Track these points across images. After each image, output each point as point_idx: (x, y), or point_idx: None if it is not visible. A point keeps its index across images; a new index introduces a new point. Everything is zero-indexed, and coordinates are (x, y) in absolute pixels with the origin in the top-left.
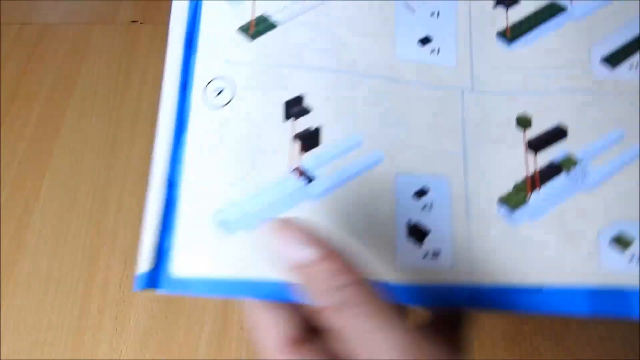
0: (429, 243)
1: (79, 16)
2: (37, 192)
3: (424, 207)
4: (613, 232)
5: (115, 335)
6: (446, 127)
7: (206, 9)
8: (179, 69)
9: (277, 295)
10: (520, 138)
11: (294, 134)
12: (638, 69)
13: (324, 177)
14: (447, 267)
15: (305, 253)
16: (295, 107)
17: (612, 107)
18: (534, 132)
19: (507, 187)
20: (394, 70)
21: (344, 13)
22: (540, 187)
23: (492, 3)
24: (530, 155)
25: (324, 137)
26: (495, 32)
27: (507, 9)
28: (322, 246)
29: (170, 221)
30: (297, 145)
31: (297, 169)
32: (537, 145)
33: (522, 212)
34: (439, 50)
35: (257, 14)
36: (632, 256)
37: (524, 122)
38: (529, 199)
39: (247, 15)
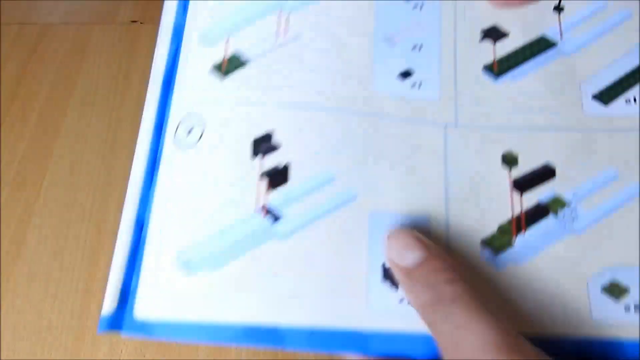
0: None
1: (79, 16)
2: (37, 192)
3: None
4: (605, 280)
5: (116, 335)
6: (427, 164)
7: (184, 50)
8: (155, 109)
9: (241, 339)
10: (506, 177)
11: (261, 171)
12: (638, 104)
13: (291, 215)
14: None
15: (413, 256)
16: (263, 144)
17: (605, 145)
18: (520, 170)
19: (491, 228)
20: (370, 104)
21: (317, 48)
22: (526, 230)
23: (478, 36)
24: (516, 196)
25: (293, 174)
26: (481, 66)
27: (494, 43)
28: (428, 247)
29: (137, 262)
30: (264, 183)
31: (263, 207)
32: (523, 185)
33: (506, 255)
34: (420, 84)
35: (230, 52)
36: (628, 306)
37: (510, 160)
38: (514, 242)
39: (220, 55)
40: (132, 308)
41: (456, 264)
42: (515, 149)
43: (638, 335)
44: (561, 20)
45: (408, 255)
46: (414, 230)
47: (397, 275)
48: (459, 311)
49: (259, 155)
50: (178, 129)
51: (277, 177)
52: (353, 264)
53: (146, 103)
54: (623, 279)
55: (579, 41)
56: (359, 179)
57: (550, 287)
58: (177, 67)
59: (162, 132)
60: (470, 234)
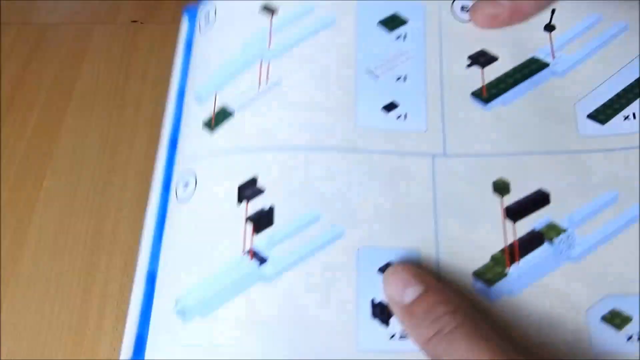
0: (396, 323)
1: (79, 16)
2: (37, 192)
3: None
4: (605, 309)
5: (116, 335)
6: (415, 196)
7: (185, 111)
8: (163, 168)
9: None
10: (498, 205)
11: (246, 216)
12: (638, 119)
13: (277, 257)
14: (417, 350)
15: (410, 292)
16: (248, 190)
17: (602, 167)
18: (512, 198)
19: (483, 259)
20: (354, 140)
21: (298, 89)
22: (520, 259)
23: (465, 62)
24: (509, 224)
25: (278, 215)
26: (469, 93)
27: (482, 68)
28: (426, 282)
29: (149, 312)
30: (250, 227)
31: (249, 251)
32: (516, 212)
33: (500, 286)
34: (406, 116)
35: (218, 107)
36: (630, 335)
37: (501, 188)
38: (508, 272)
39: (210, 110)
40: (142, 356)
41: (454, 295)
42: (507, 175)
43: None
44: (552, 39)
45: (407, 292)
46: (410, 265)
47: (397, 312)
48: (461, 341)
49: (245, 201)
50: (178, 184)
51: (262, 220)
52: (341, 302)
53: (156, 163)
54: (624, 308)
55: (573, 59)
56: (346, 216)
57: (547, 318)
58: (180, 129)
59: (169, 191)
60: (462, 266)
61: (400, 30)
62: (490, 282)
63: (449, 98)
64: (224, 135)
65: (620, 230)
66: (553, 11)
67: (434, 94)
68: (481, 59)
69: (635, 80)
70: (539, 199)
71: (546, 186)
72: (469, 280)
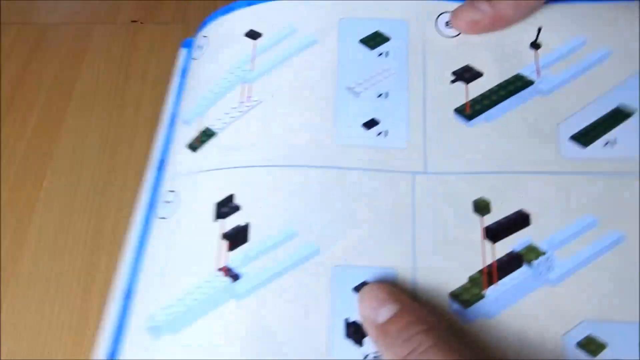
0: (370, 344)
1: (79, 16)
2: (37, 192)
3: None
4: (581, 335)
5: None
6: (393, 214)
7: (175, 135)
8: (150, 190)
9: None
10: (478, 225)
11: (222, 232)
12: (617, 146)
13: (251, 274)
14: None
15: (384, 311)
16: (225, 207)
17: (583, 190)
18: (492, 218)
19: (460, 280)
20: (332, 156)
21: (278, 107)
22: (498, 281)
23: (449, 78)
24: (488, 244)
25: (254, 232)
26: (452, 109)
27: (466, 84)
28: (401, 301)
29: (122, 328)
30: (226, 243)
31: (223, 267)
32: (496, 233)
33: (477, 308)
34: (386, 133)
35: (203, 127)
36: None
37: (481, 207)
38: (485, 294)
39: (195, 132)
40: None
41: (429, 314)
42: (488, 195)
43: None
44: (538, 58)
45: (382, 311)
46: (385, 284)
47: (371, 331)
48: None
49: (221, 218)
50: (160, 202)
51: (237, 237)
52: (315, 321)
53: (142, 185)
54: (600, 334)
55: (557, 79)
56: (322, 233)
57: (523, 342)
58: (168, 151)
59: (153, 211)
60: (439, 287)
61: (382, 47)
62: (467, 303)
63: (431, 114)
64: (205, 154)
65: (598, 255)
66: (539, 30)
67: (416, 110)
68: (466, 74)
69: (615, 108)
70: (519, 220)
71: (527, 207)
72: (446, 301)
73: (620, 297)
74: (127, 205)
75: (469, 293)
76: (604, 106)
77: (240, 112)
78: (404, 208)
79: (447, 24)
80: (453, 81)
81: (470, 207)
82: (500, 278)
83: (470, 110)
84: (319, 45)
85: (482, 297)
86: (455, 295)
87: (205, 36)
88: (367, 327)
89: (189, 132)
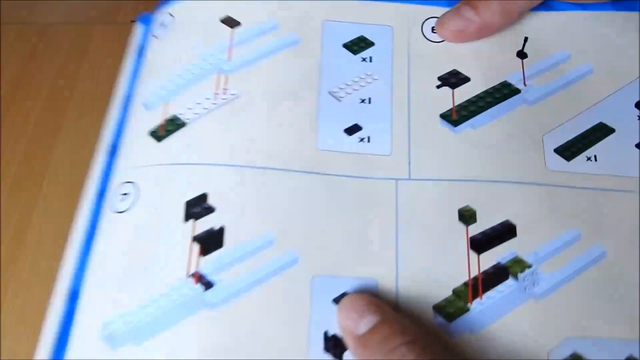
0: (350, 357)
1: (79, 16)
2: (37, 192)
3: None
4: (566, 352)
5: None
6: (375, 223)
7: (130, 118)
8: (99, 177)
9: None
10: (463, 235)
11: (193, 235)
12: (598, 162)
13: (225, 282)
14: None
15: (365, 322)
16: (197, 207)
17: (568, 202)
18: (478, 227)
19: (444, 292)
20: (313, 161)
21: (257, 106)
22: (483, 294)
23: (435, 83)
24: (473, 256)
25: (229, 237)
26: (438, 114)
27: (453, 89)
28: (382, 312)
29: (66, 335)
30: (197, 247)
31: (194, 274)
32: (481, 244)
33: (461, 322)
34: (369, 139)
35: (168, 116)
36: None
37: (467, 217)
38: (470, 307)
39: (159, 119)
40: None
41: (412, 325)
42: (474, 203)
43: None
44: (524, 67)
45: (362, 322)
46: (366, 294)
47: (351, 344)
48: None
49: (192, 219)
50: (115, 195)
51: (210, 241)
52: (293, 334)
53: (90, 172)
54: (585, 352)
55: (543, 91)
56: (301, 241)
57: (509, 358)
58: (122, 136)
59: (103, 201)
60: (422, 299)
61: (366, 52)
62: (451, 317)
63: (416, 120)
64: (173, 146)
65: (582, 270)
66: (526, 39)
67: (400, 116)
68: (452, 79)
69: (599, 123)
70: (505, 231)
71: (513, 217)
72: (429, 314)
73: (604, 314)
74: None
75: (453, 306)
76: (587, 121)
77: (215, 104)
78: (387, 216)
79: (433, 29)
80: (439, 86)
81: (455, 216)
82: (485, 291)
83: (456, 116)
84: (302, 46)
85: (466, 310)
86: (438, 308)
87: (171, 14)
88: (347, 339)
89: (150, 118)
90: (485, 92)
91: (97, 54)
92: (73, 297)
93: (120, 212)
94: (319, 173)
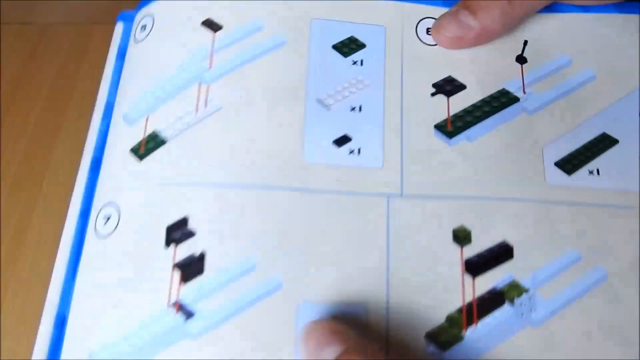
0: None
1: (79, 16)
2: (37, 192)
3: None
4: None
5: None
6: (364, 244)
7: (112, 130)
8: (82, 195)
9: None
10: (457, 257)
11: (174, 262)
12: (601, 176)
13: (206, 311)
14: None
15: (328, 352)
16: (177, 232)
17: (568, 221)
18: (473, 249)
19: (438, 319)
20: (300, 178)
21: (239, 119)
22: (478, 321)
23: (429, 91)
24: (468, 279)
25: (210, 263)
26: (432, 125)
27: (448, 97)
28: (346, 340)
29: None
30: (178, 274)
31: (175, 303)
32: (476, 267)
33: (455, 352)
34: (359, 151)
35: (149, 132)
36: None
37: (461, 238)
38: (464, 335)
39: (139, 135)
40: None
41: (380, 354)
42: (469, 223)
43: None
44: (524, 73)
45: (325, 352)
46: (330, 321)
47: None
48: None
49: (173, 244)
50: (98, 218)
51: (191, 268)
52: None
53: (74, 188)
54: None
55: (542, 99)
56: (285, 265)
57: None
58: (104, 149)
59: (87, 221)
60: (414, 327)
61: (357, 55)
62: (445, 345)
63: (409, 131)
64: (153, 165)
65: (581, 294)
66: (525, 43)
67: (392, 126)
68: (447, 86)
69: (601, 134)
70: (502, 253)
71: (510, 238)
72: (421, 342)
73: (604, 340)
74: None
75: (447, 334)
76: (589, 131)
77: (196, 118)
78: (377, 237)
79: (428, 30)
80: (433, 94)
81: (449, 236)
82: (480, 318)
83: (451, 127)
84: (288, 48)
85: (460, 338)
86: (431, 336)
87: (149, 15)
88: None
89: (131, 134)
90: (482, 100)
91: (97, 54)
92: (61, 323)
93: (103, 236)
94: (305, 190)
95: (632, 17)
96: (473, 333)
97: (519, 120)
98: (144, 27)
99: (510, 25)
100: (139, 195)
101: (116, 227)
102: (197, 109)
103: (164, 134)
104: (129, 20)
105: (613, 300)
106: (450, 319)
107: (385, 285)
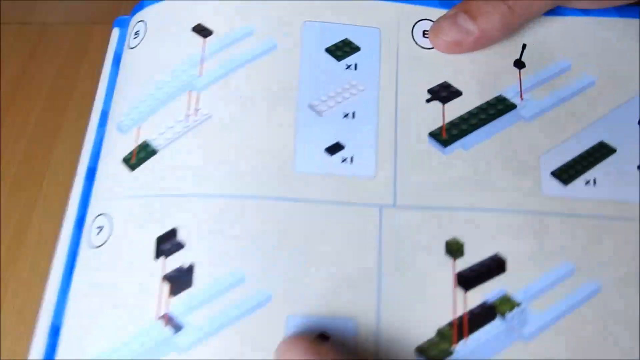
0: None
1: (79, 16)
2: (37, 192)
3: None
4: None
5: None
6: (356, 255)
7: (106, 140)
8: (77, 204)
9: None
10: (449, 269)
11: (163, 274)
12: (598, 186)
13: (195, 324)
14: None
15: None
16: (167, 243)
17: (562, 233)
18: (466, 261)
19: (428, 333)
20: (290, 187)
21: (230, 126)
22: (469, 335)
23: (425, 96)
24: (460, 293)
25: (199, 275)
26: (427, 132)
27: (444, 104)
28: (319, 355)
29: None
30: (167, 287)
31: (164, 315)
32: (468, 280)
33: None
34: (352, 159)
35: (140, 141)
36: None
37: (454, 249)
38: (454, 350)
39: (131, 145)
40: None
41: None
42: (462, 234)
43: None
44: (522, 78)
45: None
46: (303, 337)
47: None
48: None
49: (163, 256)
50: (91, 228)
51: (180, 280)
52: None
53: (70, 197)
54: None
55: (540, 106)
56: (275, 277)
57: None
58: (99, 157)
59: (81, 230)
60: (404, 340)
61: (351, 59)
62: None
63: (403, 138)
64: (144, 176)
65: (573, 308)
66: (524, 47)
67: (386, 134)
68: (443, 92)
69: (599, 142)
70: (494, 266)
71: (503, 250)
72: (411, 356)
73: (596, 355)
74: None
75: (437, 348)
76: (587, 140)
77: (186, 127)
78: (369, 248)
79: (425, 33)
80: (429, 100)
81: (442, 248)
82: (471, 332)
83: (446, 135)
84: (279, 52)
85: (450, 353)
86: (422, 351)
87: (142, 20)
88: None
89: (124, 143)
90: (479, 107)
91: (97, 54)
92: (55, 332)
93: (96, 247)
94: (296, 200)
95: (633, 22)
96: (463, 348)
97: (516, 128)
98: (137, 34)
99: (510, 31)
100: (130, 206)
101: (108, 237)
102: (187, 118)
103: (155, 143)
104: (124, 26)
105: (606, 313)
106: (441, 333)
107: (376, 298)
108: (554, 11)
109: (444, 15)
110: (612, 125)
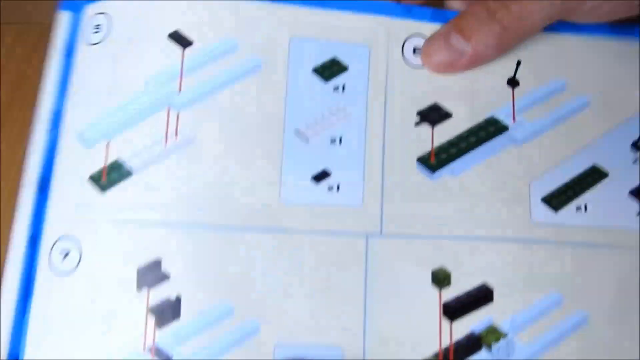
0: None
1: None
2: None
3: None
4: None
5: None
6: (343, 285)
7: (62, 146)
8: (28, 220)
9: None
10: (435, 299)
11: (149, 306)
12: (589, 213)
13: (184, 356)
14: None
15: None
16: (150, 274)
17: (550, 262)
18: (452, 291)
19: None
20: (276, 217)
21: (213, 152)
22: None
23: (413, 119)
24: (446, 323)
25: (186, 307)
26: (415, 158)
27: (432, 126)
28: None
29: None
30: (153, 319)
31: (151, 348)
32: (455, 311)
33: None
34: (338, 187)
35: (111, 159)
36: None
37: (441, 279)
38: None
39: (100, 161)
40: None
41: None
42: (449, 264)
43: None
44: (515, 98)
45: None
46: None
47: None
48: None
49: (146, 287)
50: (52, 251)
51: (167, 312)
52: None
53: (18, 210)
54: None
55: (532, 128)
56: (262, 308)
57: None
58: (53, 168)
59: (36, 251)
60: None
61: (339, 79)
62: None
63: (391, 164)
64: (119, 200)
65: (560, 339)
66: (518, 63)
67: (373, 159)
68: (432, 115)
69: (589, 168)
70: (481, 296)
71: (491, 280)
72: None
73: None
74: None
75: None
76: (579, 164)
77: (166, 150)
78: (355, 278)
79: (415, 50)
80: (417, 123)
81: (428, 277)
82: None
83: (434, 160)
84: (264, 73)
85: None
86: None
87: (103, 13)
88: None
89: (89, 158)
90: (469, 130)
91: None
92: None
93: (62, 274)
94: (281, 231)
95: (629, 43)
96: None
97: (507, 153)
98: (98, 27)
99: (504, 51)
100: (104, 231)
101: (78, 264)
102: (166, 139)
103: (129, 164)
104: (76, 11)
105: (593, 344)
106: None
107: (362, 327)
108: (549, 27)
109: (436, 33)
110: (605, 148)
